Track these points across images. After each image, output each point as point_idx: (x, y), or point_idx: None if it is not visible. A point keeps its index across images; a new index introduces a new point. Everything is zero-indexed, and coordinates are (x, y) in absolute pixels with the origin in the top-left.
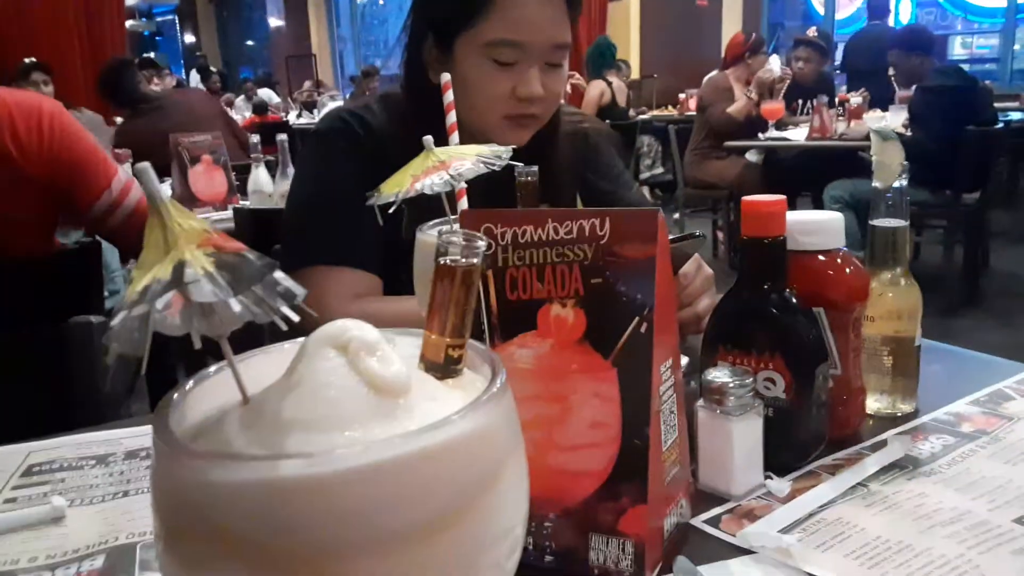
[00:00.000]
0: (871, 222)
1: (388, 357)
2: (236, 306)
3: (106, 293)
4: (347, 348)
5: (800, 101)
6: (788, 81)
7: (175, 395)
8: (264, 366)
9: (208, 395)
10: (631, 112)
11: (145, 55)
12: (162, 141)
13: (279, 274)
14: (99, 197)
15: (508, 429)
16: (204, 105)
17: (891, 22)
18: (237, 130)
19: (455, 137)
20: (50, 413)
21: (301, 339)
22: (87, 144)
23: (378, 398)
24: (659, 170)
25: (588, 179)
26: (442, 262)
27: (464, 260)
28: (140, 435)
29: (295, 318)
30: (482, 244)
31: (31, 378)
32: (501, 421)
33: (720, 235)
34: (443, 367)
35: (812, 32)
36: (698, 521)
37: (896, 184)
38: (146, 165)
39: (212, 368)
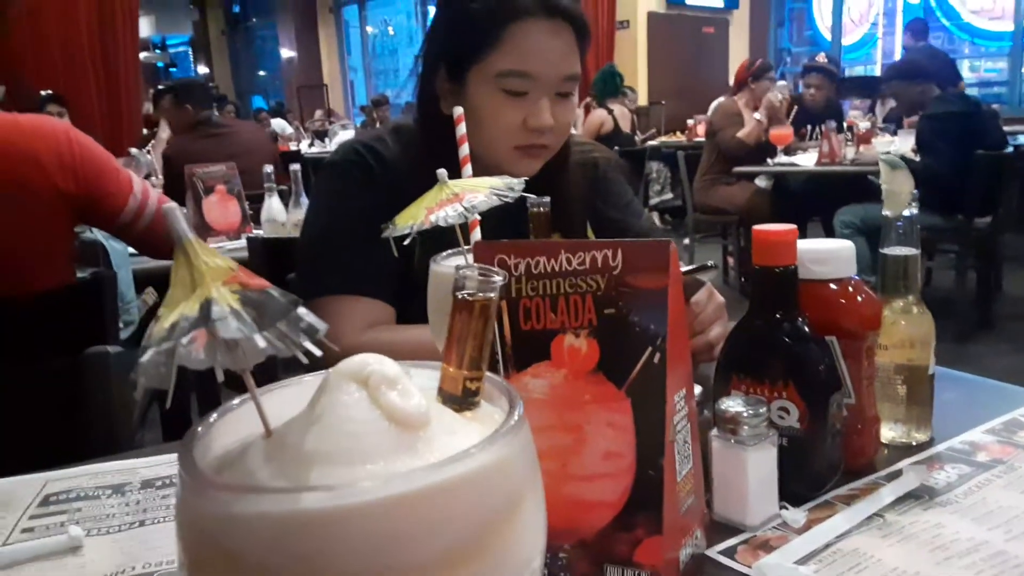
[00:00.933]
0: (881, 251)
1: (408, 391)
2: (261, 342)
3: (120, 324)
4: (368, 382)
5: (809, 127)
6: (786, 104)
7: (199, 428)
8: (285, 399)
9: (231, 428)
10: (637, 138)
11: (160, 86)
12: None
13: (302, 310)
14: (126, 202)
15: (526, 461)
16: (257, 138)
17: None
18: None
19: (468, 169)
20: (66, 443)
21: (322, 372)
22: (104, 152)
23: (398, 431)
24: (668, 196)
25: (598, 208)
26: (459, 296)
27: (481, 294)
28: (156, 464)
29: (318, 353)
30: (499, 278)
31: (48, 408)
32: (519, 453)
33: (730, 261)
34: (461, 399)
35: (821, 58)
36: (713, 552)
37: (906, 212)
38: (174, 206)
39: (236, 400)
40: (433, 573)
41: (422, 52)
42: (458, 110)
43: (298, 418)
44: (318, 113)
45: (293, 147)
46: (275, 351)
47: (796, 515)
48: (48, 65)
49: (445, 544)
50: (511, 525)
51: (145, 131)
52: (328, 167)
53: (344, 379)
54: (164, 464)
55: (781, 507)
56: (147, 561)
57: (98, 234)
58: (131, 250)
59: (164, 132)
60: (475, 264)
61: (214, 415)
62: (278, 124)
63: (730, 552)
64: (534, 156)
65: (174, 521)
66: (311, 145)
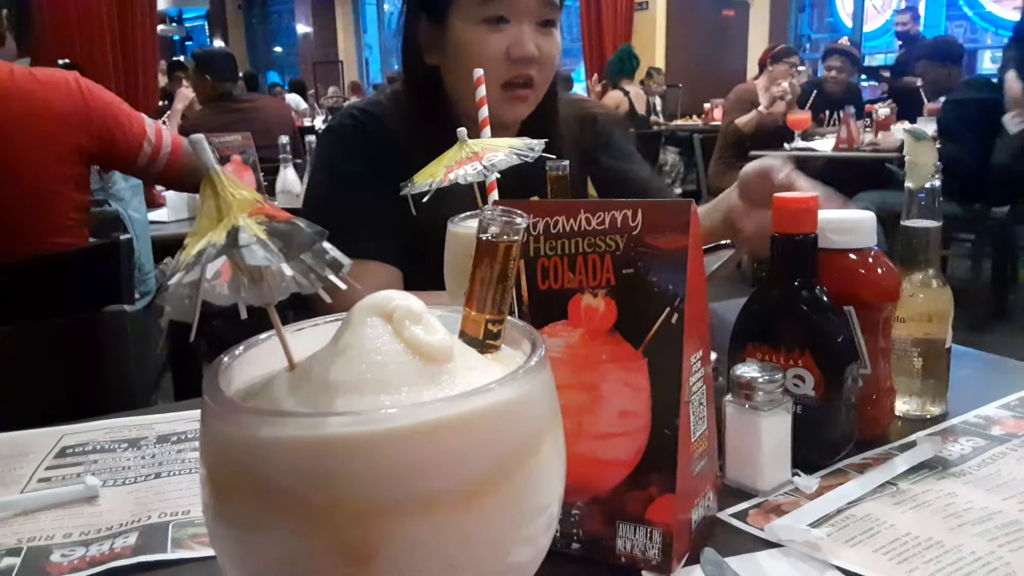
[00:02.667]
0: (903, 223)
1: (432, 326)
2: (288, 270)
3: (137, 295)
4: (392, 317)
5: (827, 112)
6: (792, 91)
7: (225, 358)
8: (307, 338)
9: (255, 363)
10: (653, 119)
11: (175, 59)
12: None
13: (327, 244)
14: (141, 144)
15: (547, 402)
16: (279, 114)
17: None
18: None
19: (487, 131)
20: (82, 400)
21: (341, 314)
22: (114, 97)
23: (422, 364)
24: (678, 190)
25: (600, 161)
26: (484, 238)
27: (506, 236)
28: (171, 421)
29: (343, 286)
30: (523, 221)
31: (65, 365)
32: (541, 393)
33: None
34: (482, 342)
35: (844, 41)
36: (725, 515)
37: (929, 184)
38: (200, 136)
39: (261, 336)
40: (455, 503)
41: (403, 8)
42: (478, 72)
43: (322, 351)
44: (332, 89)
45: (307, 123)
46: (299, 287)
47: (808, 482)
48: (66, 36)
49: (466, 474)
50: (531, 464)
51: (161, 103)
52: (325, 133)
53: (369, 313)
54: (179, 421)
55: (793, 474)
56: (163, 511)
57: (116, 205)
58: (151, 218)
59: (179, 104)
60: (500, 207)
61: (240, 347)
62: (293, 99)
63: (742, 515)
64: (521, 98)
65: (190, 475)
66: (325, 121)
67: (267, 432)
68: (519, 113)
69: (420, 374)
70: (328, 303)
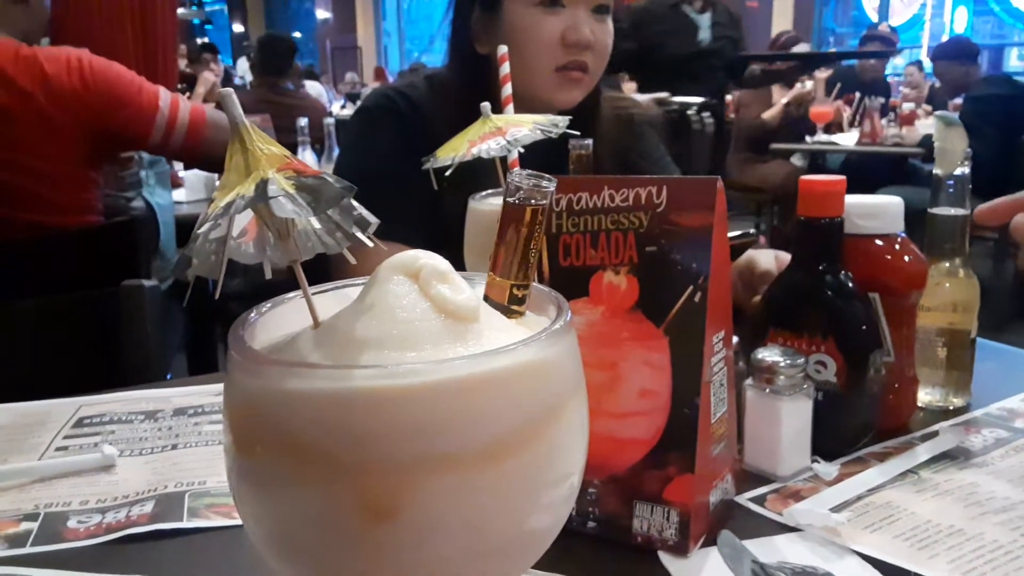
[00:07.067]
0: (930, 210)
1: (459, 285)
2: (317, 223)
3: (156, 280)
4: (418, 275)
5: (858, 94)
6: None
7: (251, 314)
8: (332, 299)
9: (279, 320)
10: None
11: (200, 41)
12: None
13: (355, 201)
14: (154, 120)
15: (572, 367)
16: (314, 113)
17: None
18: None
19: (510, 108)
20: (100, 372)
21: (366, 277)
22: (123, 72)
23: (449, 322)
24: None
25: (630, 161)
26: (511, 202)
27: (533, 200)
28: (188, 394)
29: (369, 244)
30: (549, 185)
31: (84, 338)
32: (565, 356)
33: (762, 240)
34: (507, 307)
35: (883, 28)
36: (743, 499)
37: (958, 171)
38: (230, 91)
39: (288, 295)
40: (478, 461)
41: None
42: (502, 49)
43: (348, 309)
44: (349, 75)
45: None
46: (324, 247)
47: (828, 468)
48: (87, 19)
49: (489, 435)
50: (554, 429)
51: (180, 86)
52: (359, 112)
53: (395, 272)
54: (196, 394)
55: (813, 460)
56: (179, 481)
57: (144, 191)
58: (175, 199)
59: (201, 87)
60: (527, 171)
61: (267, 305)
62: (314, 88)
63: (760, 500)
64: (575, 82)
65: (206, 447)
66: (343, 107)
67: (292, 384)
68: (572, 98)
69: (446, 332)
70: (344, 273)
